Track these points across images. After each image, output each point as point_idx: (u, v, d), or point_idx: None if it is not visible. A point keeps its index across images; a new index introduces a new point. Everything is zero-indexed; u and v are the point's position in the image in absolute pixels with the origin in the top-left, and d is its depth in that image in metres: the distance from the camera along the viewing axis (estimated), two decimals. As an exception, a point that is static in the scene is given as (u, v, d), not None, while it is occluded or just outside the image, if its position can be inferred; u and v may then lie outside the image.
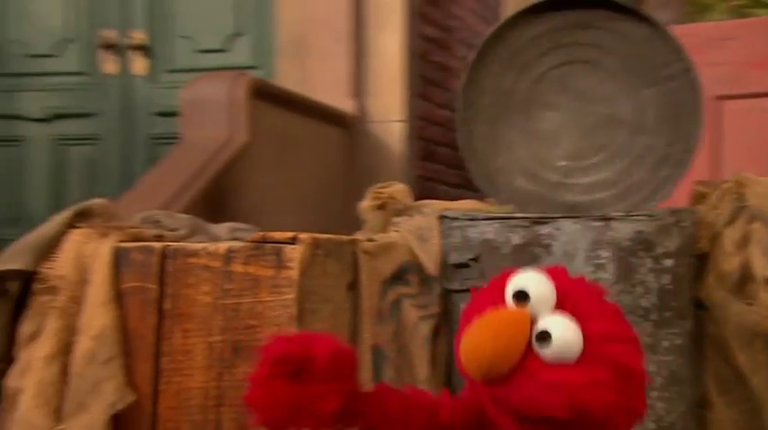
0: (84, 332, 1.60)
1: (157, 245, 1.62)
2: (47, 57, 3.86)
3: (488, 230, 1.67)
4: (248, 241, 1.57)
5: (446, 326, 1.74)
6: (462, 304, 1.71)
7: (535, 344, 0.89)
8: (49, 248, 1.66)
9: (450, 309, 1.74)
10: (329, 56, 3.33)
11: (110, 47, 3.80)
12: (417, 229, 1.80)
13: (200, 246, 1.59)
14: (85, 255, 1.64)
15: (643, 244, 1.63)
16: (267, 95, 2.80)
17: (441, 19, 3.73)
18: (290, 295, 1.52)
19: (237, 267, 1.56)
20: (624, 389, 0.91)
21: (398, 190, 1.89)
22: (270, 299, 1.53)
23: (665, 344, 1.65)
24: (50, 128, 3.86)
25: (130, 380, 1.60)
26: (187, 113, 2.69)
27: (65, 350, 1.61)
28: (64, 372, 1.61)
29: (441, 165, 3.61)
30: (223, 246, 1.58)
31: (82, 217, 1.71)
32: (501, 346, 0.88)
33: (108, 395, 1.58)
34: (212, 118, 2.65)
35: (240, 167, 2.65)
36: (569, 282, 0.95)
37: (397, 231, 1.78)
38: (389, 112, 3.33)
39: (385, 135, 3.33)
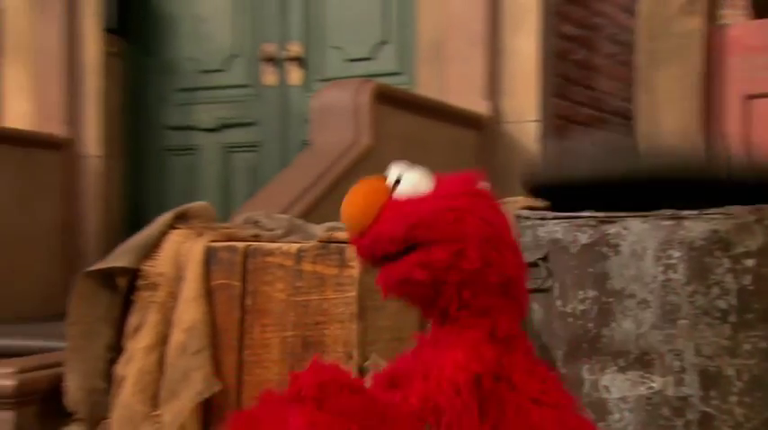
0: (178, 325, 1.75)
1: (240, 244, 1.74)
2: (216, 72, 4.16)
3: (556, 229, 1.65)
4: (317, 241, 1.65)
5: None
6: (534, 304, 1.71)
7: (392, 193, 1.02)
8: (152, 247, 1.83)
9: (524, 309, 1.74)
10: (465, 59, 3.36)
11: (270, 60, 4.04)
12: (496, 229, 1.81)
13: (275, 245, 1.70)
14: (182, 254, 1.80)
15: (719, 243, 1.56)
16: (392, 100, 2.88)
17: (583, 17, 3.66)
18: (352, 293, 1.59)
19: (307, 266, 1.65)
20: (469, 219, 1.03)
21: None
22: (334, 296, 1.61)
23: (747, 347, 1.56)
24: (219, 137, 4.16)
25: (218, 370, 1.74)
26: (315, 119, 2.83)
27: (163, 341, 1.78)
28: (161, 362, 1.77)
29: (583, 164, 3.55)
30: (295, 246, 1.67)
31: (182, 218, 1.87)
32: (361, 199, 1.01)
33: (196, 384, 1.72)
34: (337, 123, 2.77)
35: (365, 169, 2.74)
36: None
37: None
38: (524, 113, 3.31)
39: (520, 135, 3.31)
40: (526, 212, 1.74)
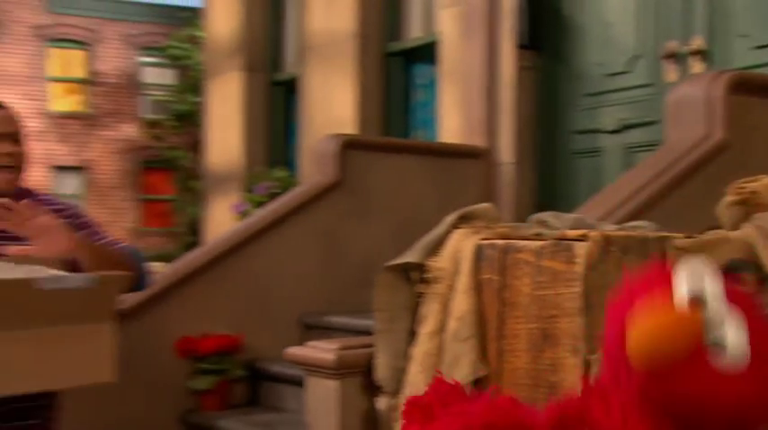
0: (452, 314, 1.93)
1: (500, 242, 1.85)
2: (620, 74, 4.19)
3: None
4: (553, 238, 1.69)
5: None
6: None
7: (710, 348, 0.91)
8: (437, 245, 2.03)
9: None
10: None
11: (671, 56, 3.95)
12: (768, 226, 1.66)
13: (522, 243, 1.78)
14: (459, 251, 1.96)
15: None
16: (759, 89, 2.67)
17: None
18: (577, 288, 1.60)
19: (546, 262, 1.70)
20: None
21: (764, 184, 1.74)
22: (564, 291, 1.64)
23: None
24: (621, 138, 4.18)
25: (484, 357, 1.87)
26: (670, 115, 2.74)
27: (442, 328, 1.96)
28: (441, 347, 1.96)
29: None
30: (538, 243, 1.73)
31: (465, 219, 2.03)
32: (674, 347, 0.89)
33: (463, 368, 1.88)
34: (689, 118, 2.65)
35: (719, 165, 2.59)
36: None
37: (747, 228, 1.67)
38: None
39: None
40: (790, 207, 1.57)
